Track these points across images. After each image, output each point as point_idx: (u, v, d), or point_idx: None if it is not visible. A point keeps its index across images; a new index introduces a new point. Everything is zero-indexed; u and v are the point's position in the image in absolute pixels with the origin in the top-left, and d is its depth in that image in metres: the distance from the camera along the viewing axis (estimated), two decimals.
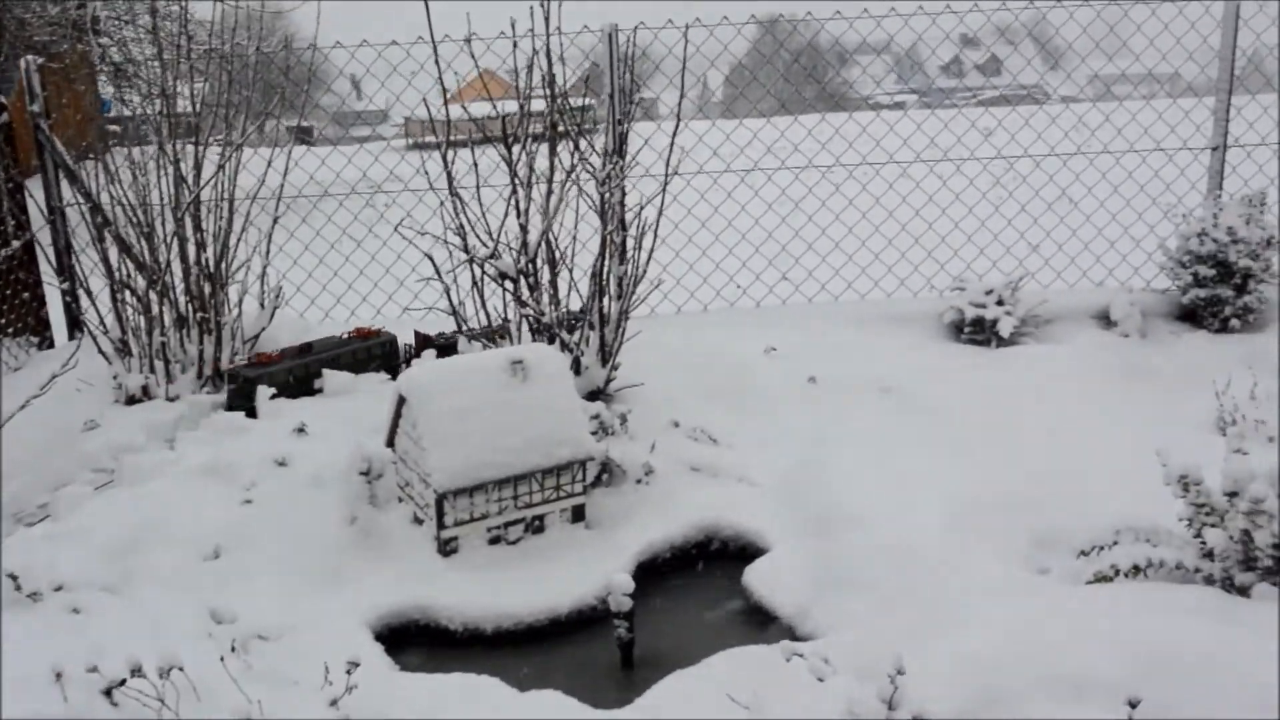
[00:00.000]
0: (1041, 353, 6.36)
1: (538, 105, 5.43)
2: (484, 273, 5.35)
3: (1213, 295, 6.70)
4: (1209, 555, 3.86)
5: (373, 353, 6.08)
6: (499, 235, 5.31)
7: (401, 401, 4.41)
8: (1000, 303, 6.60)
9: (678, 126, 5.47)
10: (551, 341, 5.37)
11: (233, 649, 3.57)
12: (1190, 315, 6.88)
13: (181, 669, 3.05)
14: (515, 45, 5.36)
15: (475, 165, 5.41)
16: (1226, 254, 6.61)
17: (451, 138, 5.46)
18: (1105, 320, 6.80)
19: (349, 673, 3.19)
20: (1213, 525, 3.85)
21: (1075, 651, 3.29)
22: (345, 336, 6.11)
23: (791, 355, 6.10)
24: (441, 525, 4.32)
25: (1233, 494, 3.74)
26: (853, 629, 3.78)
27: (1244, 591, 3.70)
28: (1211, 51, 7.49)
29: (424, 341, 6.07)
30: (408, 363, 6.07)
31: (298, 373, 5.80)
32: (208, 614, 3.88)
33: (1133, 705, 2.61)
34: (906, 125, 7.95)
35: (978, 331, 6.62)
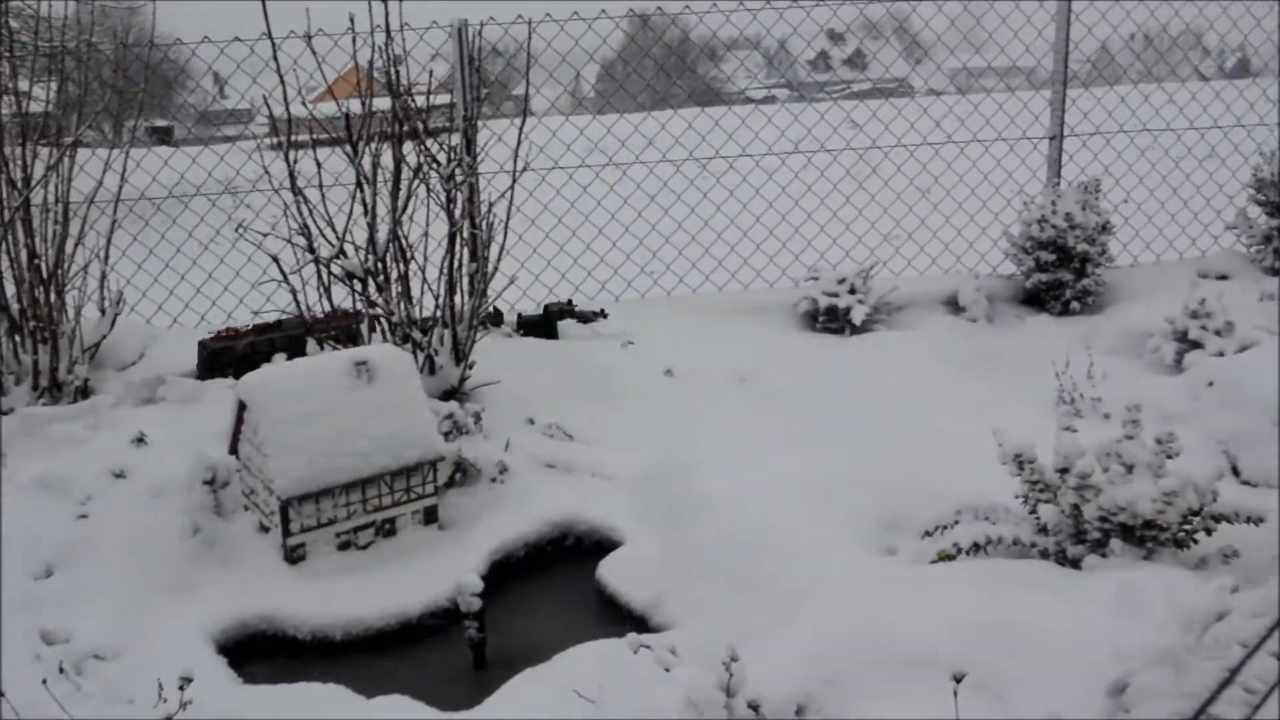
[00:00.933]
0: (893, 339, 6.50)
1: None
2: (330, 273, 5.23)
3: (1054, 279, 6.93)
4: (1043, 530, 3.99)
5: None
6: (344, 234, 5.19)
7: (242, 407, 4.29)
8: (853, 291, 6.72)
9: (524, 122, 5.43)
10: (405, 341, 5.29)
11: (60, 670, 3.42)
12: (1034, 299, 7.10)
13: (2, 694, 2.91)
14: (355, 44, 5.25)
15: (319, 164, 5.28)
16: (1065, 239, 6.84)
17: (307, 136, 5.33)
18: (954, 306, 6.98)
19: (182, 688, 3.07)
20: (1046, 501, 3.99)
21: (915, 630, 3.37)
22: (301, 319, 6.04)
23: (649, 349, 6.11)
24: (287, 532, 4.21)
25: (1063, 470, 3.87)
26: (704, 618, 3.81)
27: (1076, 564, 3.83)
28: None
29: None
30: None
31: (261, 347, 5.79)
32: (38, 635, 3.72)
33: (957, 679, 2.66)
34: (759, 118, 8.04)
35: (832, 320, 6.73)
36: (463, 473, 4.80)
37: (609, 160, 7.27)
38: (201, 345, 5.95)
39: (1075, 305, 6.92)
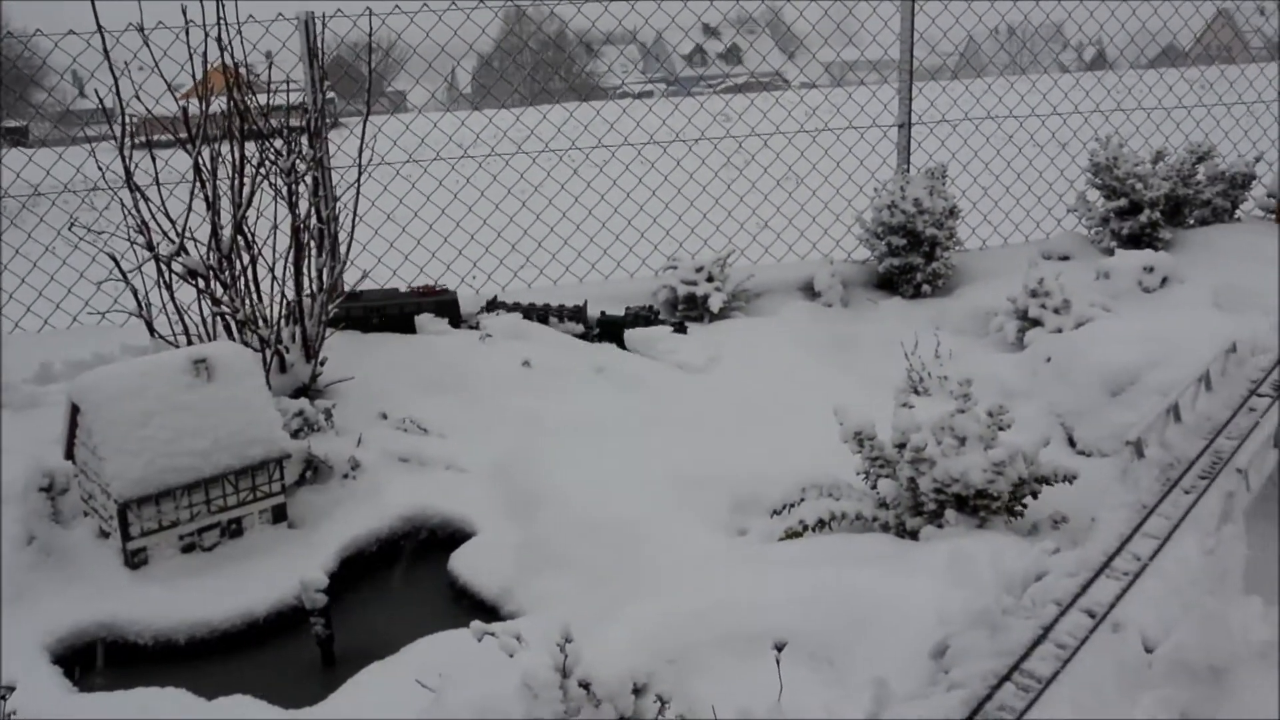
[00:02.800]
0: (750, 325, 6.59)
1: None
2: (171, 270, 5.10)
3: (905, 263, 7.11)
4: (884, 504, 4.10)
5: (424, 309, 6.11)
6: (183, 231, 5.07)
7: (75, 410, 4.16)
8: (710, 279, 6.80)
9: (367, 115, 5.37)
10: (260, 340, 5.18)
11: None
12: (887, 283, 7.28)
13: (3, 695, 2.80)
14: (188, 36, 5.12)
15: (155, 160, 5.14)
16: (914, 224, 7.02)
17: (167, 135, 5.19)
18: (810, 292, 7.11)
19: (4, 698, 2.98)
20: (886, 476, 4.10)
21: (759, 607, 3.43)
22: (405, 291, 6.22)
23: (506, 341, 6.09)
24: (127, 536, 4.10)
25: (901, 445, 3.98)
26: (554, 606, 3.81)
27: (914, 535, 3.95)
28: (928, 42, 8.06)
29: None
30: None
31: (353, 313, 5.99)
32: None
33: (778, 648, 2.73)
34: (613, 110, 8.08)
35: (690, 308, 6.80)
36: (314, 470, 4.73)
37: (460, 153, 7.21)
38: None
39: (926, 288, 7.11)
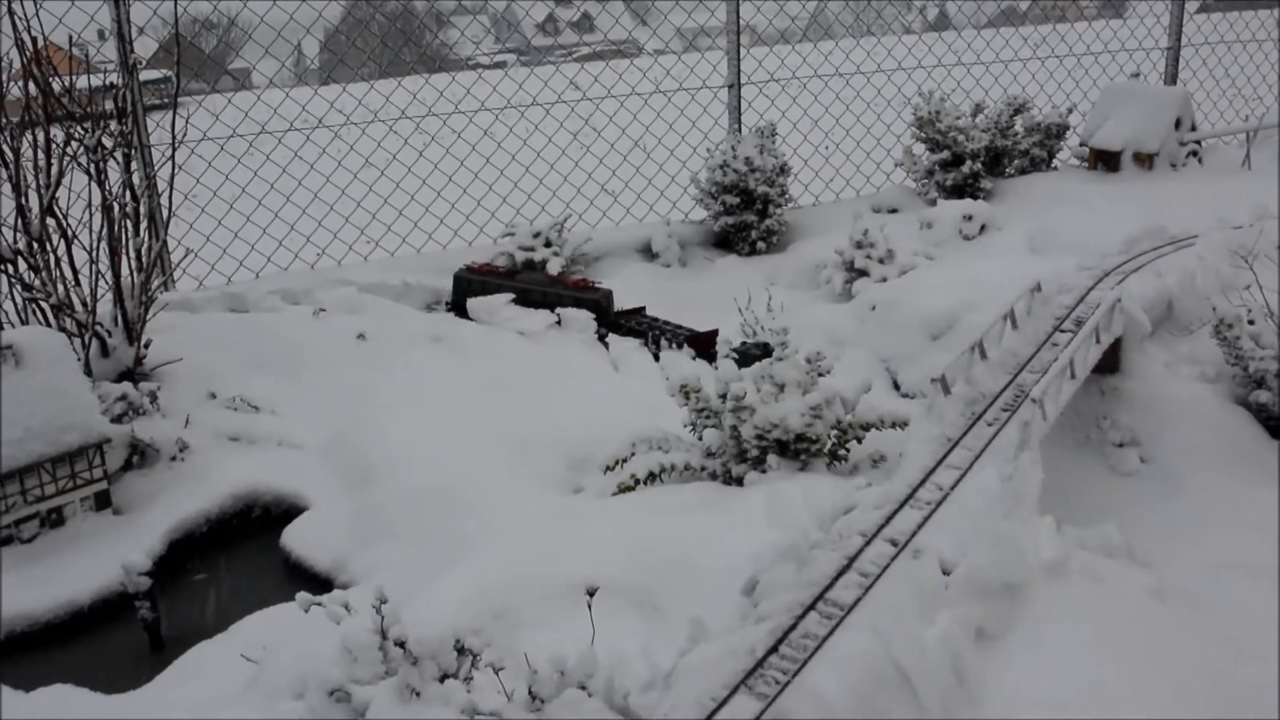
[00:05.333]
0: None
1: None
2: None
3: (740, 221, 7.24)
4: (710, 454, 4.19)
5: (578, 302, 6.09)
6: None
7: None
8: (548, 244, 6.81)
9: (177, 91, 5.23)
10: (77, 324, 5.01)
11: None
12: (724, 241, 7.40)
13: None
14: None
15: None
16: (747, 182, 7.15)
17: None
18: (649, 253, 7.19)
19: None
20: (711, 426, 4.19)
21: (585, 559, 3.49)
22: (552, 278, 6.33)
23: (341, 316, 6.02)
24: None
25: (724, 395, 4.08)
26: (387, 573, 3.80)
27: (740, 481, 4.05)
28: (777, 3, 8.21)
29: None
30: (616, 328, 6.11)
31: (504, 291, 6.20)
32: None
33: (590, 594, 2.79)
34: (440, 81, 8.01)
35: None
36: (140, 454, 4.62)
37: (302, 128, 7.07)
38: (456, 276, 6.48)
39: (761, 245, 7.25)
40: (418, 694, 2.70)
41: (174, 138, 5.17)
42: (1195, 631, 3.01)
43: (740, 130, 7.68)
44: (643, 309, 5.72)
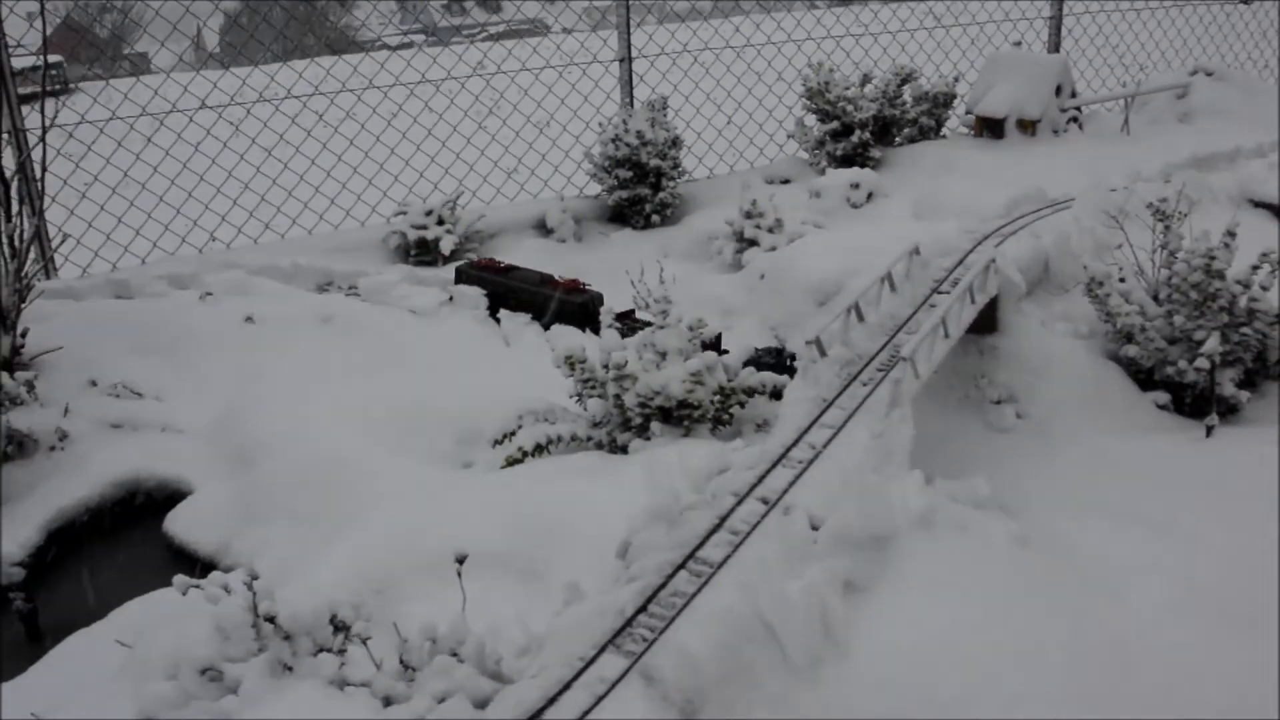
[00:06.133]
0: None
1: None
2: None
3: (634, 195, 7.26)
4: (596, 423, 4.23)
5: (563, 305, 5.82)
6: None
7: None
8: (441, 222, 6.78)
9: (44, 72, 5.10)
10: None
11: None
12: (619, 215, 7.42)
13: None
14: None
15: None
16: (639, 156, 7.17)
17: None
18: (544, 229, 7.19)
19: None
20: (596, 396, 4.22)
21: (465, 530, 3.49)
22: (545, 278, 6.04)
23: (230, 298, 5.93)
24: None
25: (606, 365, 4.11)
26: (270, 554, 3.79)
27: (625, 449, 4.09)
28: None
29: None
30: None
31: (497, 288, 6.01)
32: None
33: (460, 561, 2.81)
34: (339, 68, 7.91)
35: (424, 252, 6.77)
36: (17, 445, 4.53)
37: (142, 110, 6.93)
38: (459, 269, 6.27)
39: (655, 218, 7.29)
40: (290, 669, 2.70)
41: (44, 119, 5.05)
42: (1056, 574, 3.11)
43: (632, 105, 7.69)
44: (632, 312, 5.65)
